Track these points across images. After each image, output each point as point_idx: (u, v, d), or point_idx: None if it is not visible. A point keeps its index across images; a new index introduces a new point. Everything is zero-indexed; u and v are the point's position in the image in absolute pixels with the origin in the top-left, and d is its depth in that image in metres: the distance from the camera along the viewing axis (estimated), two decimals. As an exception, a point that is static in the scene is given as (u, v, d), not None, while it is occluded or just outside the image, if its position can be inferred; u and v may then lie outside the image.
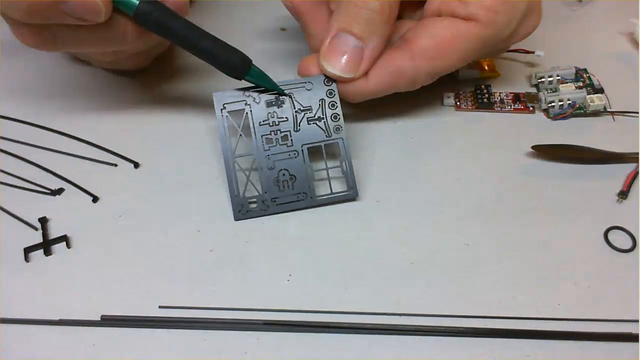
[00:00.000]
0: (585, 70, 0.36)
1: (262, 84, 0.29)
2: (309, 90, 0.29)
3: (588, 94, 0.34)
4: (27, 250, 0.27)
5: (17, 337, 0.24)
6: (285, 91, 0.29)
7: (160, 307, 0.25)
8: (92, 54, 0.33)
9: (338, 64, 0.28)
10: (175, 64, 0.38)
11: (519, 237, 0.28)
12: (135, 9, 0.27)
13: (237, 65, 0.28)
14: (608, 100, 0.34)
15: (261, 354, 0.24)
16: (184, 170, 0.31)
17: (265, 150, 0.29)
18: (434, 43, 0.29)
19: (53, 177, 0.31)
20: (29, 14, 0.26)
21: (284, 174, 0.29)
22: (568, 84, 0.34)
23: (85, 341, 0.24)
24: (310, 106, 0.29)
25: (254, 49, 0.39)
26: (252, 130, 0.29)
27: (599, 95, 0.34)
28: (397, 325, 0.25)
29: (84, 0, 0.25)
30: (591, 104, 0.33)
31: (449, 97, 0.35)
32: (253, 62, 0.28)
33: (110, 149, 0.32)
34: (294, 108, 0.29)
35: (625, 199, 0.29)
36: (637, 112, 0.34)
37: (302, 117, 0.29)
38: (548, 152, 0.31)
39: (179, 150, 0.32)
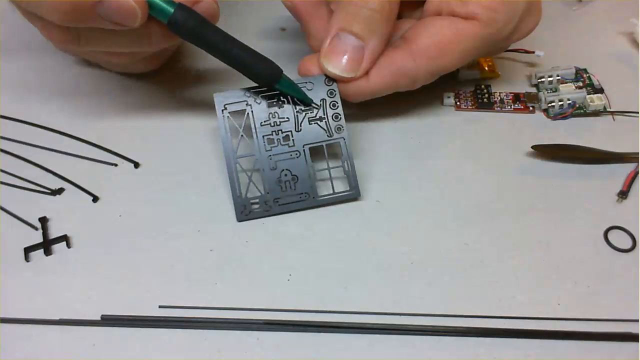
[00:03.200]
0: (585, 70, 0.36)
1: (292, 94, 0.29)
2: (309, 90, 0.29)
3: (588, 94, 0.34)
4: (27, 250, 0.27)
5: (17, 337, 0.24)
6: (312, 101, 0.29)
7: (160, 307, 0.25)
8: (106, 57, 0.33)
9: (339, 64, 0.28)
10: (176, 65, 0.37)
11: (519, 237, 0.28)
12: (170, 16, 0.26)
13: (268, 75, 0.28)
14: (608, 100, 0.34)
15: (261, 354, 0.24)
16: (184, 170, 0.31)
17: (267, 151, 0.29)
18: (435, 42, 0.29)
19: (53, 177, 0.31)
20: (66, 18, 0.26)
21: (286, 175, 0.29)
22: (568, 84, 0.34)
23: (85, 341, 0.24)
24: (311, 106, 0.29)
25: (254, 49, 0.39)
26: (253, 130, 0.29)
27: (599, 95, 0.34)
28: (397, 325, 0.25)
29: (122, 6, 0.25)
30: (591, 104, 0.33)
31: (449, 97, 0.35)
32: (283, 72, 0.28)
33: (110, 149, 0.32)
34: (295, 108, 0.29)
35: (625, 199, 0.29)
36: (637, 112, 0.34)
37: (304, 117, 0.29)
38: (548, 152, 0.31)
39: (179, 150, 0.32)
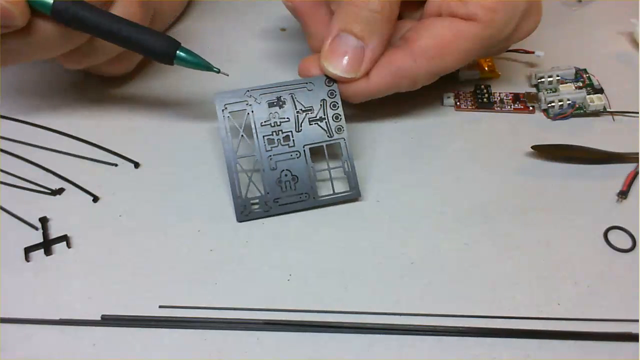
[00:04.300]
0: (585, 70, 0.36)
1: (195, 67, 0.29)
2: (310, 90, 0.29)
3: (588, 94, 0.34)
4: (28, 250, 0.27)
5: (17, 337, 0.24)
6: (220, 70, 0.29)
7: (160, 307, 0.25)
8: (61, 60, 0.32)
9: (339, 65, 0.28)
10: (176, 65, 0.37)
11: (519, 237, 0.28)
12: (52, 7, 0.27)
13: (163, 49, 0.28)
14: (608, 100, 0.34)
15: (261, 354, 0.24)
16: (184, 170, 0.31)
17: (267, 151, 0.29)
18: (435, 43, 0.29)
19: (53, 177, 0.31)
20: None
21: (286, 175, 0.29)
22: (568, 84, 0.34)
23: (85, 341, 0.24)
24: (311, 106, 0.29)
25: (254, 49, 0.39)
26: (253, 130, 0.29)
27: (599, 95, 0.34)
28: (397, 325, 0.25)
29: None
30: (591, 104, 0.33)
31: (449, 97, 0.35)
32: (182, 45, 0.29)
33: (110, 149, 0.32)
34: (296, 108, 0.29)
35: (625, 199, 0.29)
36: (637, 112, 0.34)
37: (304, 118, 0.29)
38: (548, 152, 0.31)
39: (179, 151, 0.32)
